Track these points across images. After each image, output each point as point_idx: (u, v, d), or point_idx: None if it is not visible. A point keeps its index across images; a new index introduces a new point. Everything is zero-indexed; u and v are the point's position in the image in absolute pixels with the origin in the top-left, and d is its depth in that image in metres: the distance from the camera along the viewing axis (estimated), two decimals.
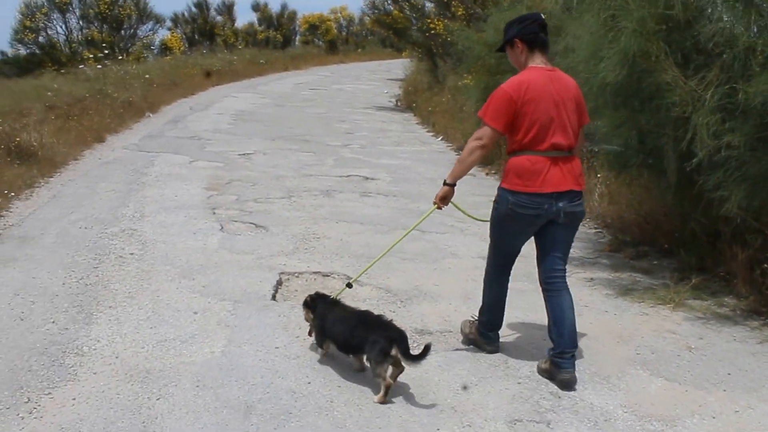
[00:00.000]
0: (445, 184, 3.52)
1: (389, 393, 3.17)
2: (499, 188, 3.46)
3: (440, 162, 8.95)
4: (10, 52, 23.51)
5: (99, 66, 14.34)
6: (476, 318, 3.80)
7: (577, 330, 3.96)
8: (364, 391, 3.29)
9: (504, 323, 3.85)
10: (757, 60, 3.80)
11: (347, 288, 3.84)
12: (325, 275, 4.86)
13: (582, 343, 3.88)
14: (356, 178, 8.03)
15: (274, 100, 16.14)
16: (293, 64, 27.09)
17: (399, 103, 15.82)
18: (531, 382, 3.44)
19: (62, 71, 14.87)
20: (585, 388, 3.41)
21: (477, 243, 5.62)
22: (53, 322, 4.00)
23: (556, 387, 3.39)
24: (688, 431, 3.07)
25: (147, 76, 15.03)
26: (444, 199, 3.55)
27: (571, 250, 5.56)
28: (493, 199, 3.51)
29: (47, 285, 4.54)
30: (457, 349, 3.78)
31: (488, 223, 3.60)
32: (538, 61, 3.41)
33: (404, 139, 11.17)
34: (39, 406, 3.12)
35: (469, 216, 3.88)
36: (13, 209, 6.44)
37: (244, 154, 9.29)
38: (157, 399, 3.18)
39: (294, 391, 3.26)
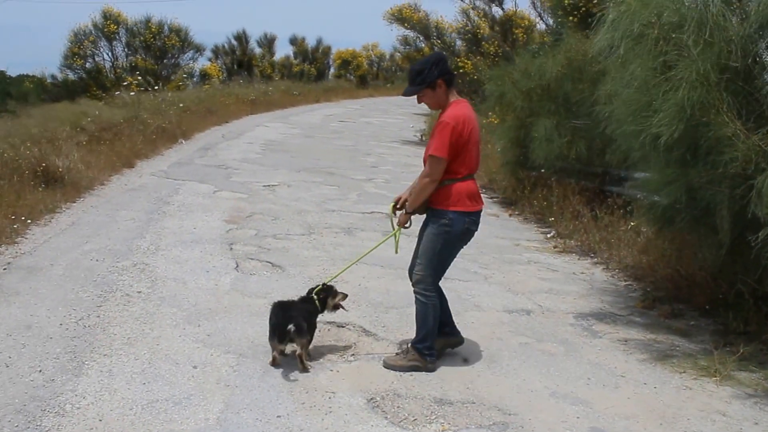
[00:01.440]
0: (406, 212, 3.78)
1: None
2: (449, 212, 3.57)
3: None
4: (60, 75, 23.59)
5: (133, 93, 14.03)
6: (405, 350, 3.77)
7: (616, 410, 3.38)
8: None
9: (532, 394, 3.26)
10: None
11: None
12: (340, 326, 4.29)
13: (620, 424, 3.26)
14: (378, 215, 7.48)
15: (304, 131, 15.74)
16: (325, 96, 26.83)
17: (424, 138, 15.30)
18: None
19: (101, 96, 14.64)
20: None
21: (502, 294, 5.03)
22: (40, 370, 3.48)
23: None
24: None
25: (181, 104, 14.71)
26: (404, 223, 3.86)
27: (601, 306, 5.02)
28: (440, 224, 3.60)
29: (44, 325, 4.04)
30: (480, 427, 3.16)
31: (434, 251, 3.66)
32: (455, 96, 3.61)
33: None
34: None
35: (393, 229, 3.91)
36: (29, 235, 6.01)
37: (268, 186, 8.81)
38: None
39: None
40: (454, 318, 4.56)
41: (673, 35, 3.77)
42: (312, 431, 3.02)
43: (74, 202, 7.35)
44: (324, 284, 3.92)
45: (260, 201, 7.82)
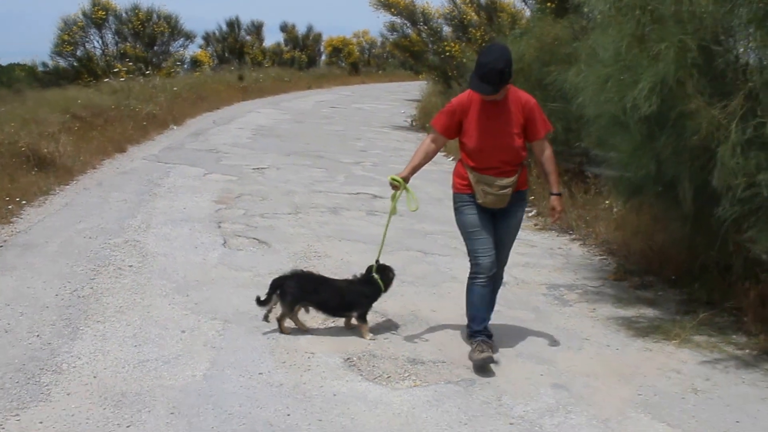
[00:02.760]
0: (559, 195, 3.76)
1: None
2: (527, 190, 3.82)
3: (448, 182, 8.58)
4: (50, 63, 23.66)
5: (122, 79, 14.19)
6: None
7: (578, 368, 3.66)
8: (346, 426, 2.96)
9: (499, 355, 3.53)
10: None
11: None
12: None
13: (581, 381, 3.53)
14: (365, 196, 7.72)
15: (295, 117, 15.94)
16: (316, 83, 26.96)
17: (414, 123, 15.53)
18: (524, 423, 3.09)
19: (91, 83, 14.79)
20: (581, 430, 3.05)
21: None
22: (38, 335, 3.73)
23: (550, 429, 3.03)
24: None
25: (175, 88, 14.88)
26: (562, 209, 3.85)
27: (574, 279, 5.29)
28: (524, 205, 3.79)
29: (40, 296, 4.28)
30: (448, 383, 3.43)
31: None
32: None
33: None
34: (3, 429, 2.83)
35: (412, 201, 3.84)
36: (24, 216, 6.23)
37: (257, 169, 9.03)
38: (128, 426, 2.88)
39: (271, 424, 2.94)
40: (432, 289, 4.84)
41: (649, 6, 3.96)
42: (291, 386, 3.28)
43: (67, 185, 7.57)
44: (378, 263, 4.06)
45: (249, 183, 8.05)
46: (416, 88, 21.70)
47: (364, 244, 5.73)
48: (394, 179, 3.75)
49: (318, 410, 3.08)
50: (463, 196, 3.71)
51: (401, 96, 22.51)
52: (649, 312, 4.61)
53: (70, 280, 4.57)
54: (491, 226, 3.68)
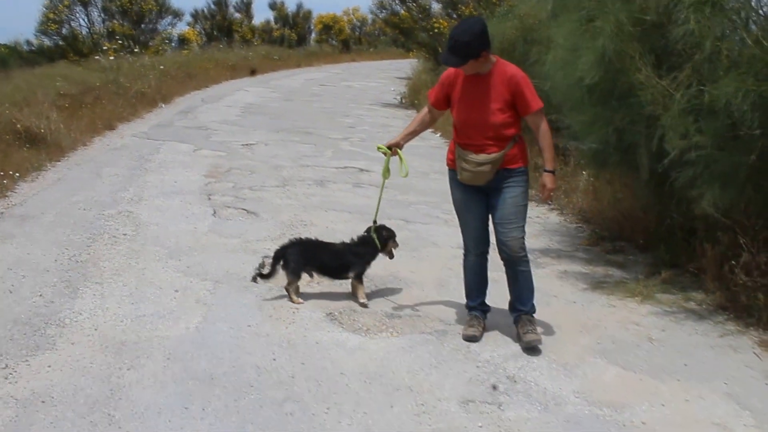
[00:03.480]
0: (553, 172, 3.67)
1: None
2: (527, 168, 3.66)
3: (434, 156, 8.89)
4: (35, 42, 23.76)
5: (112, 57, 14.39)
6: (530, 320, 3.75)
7: (544, 320, 4.01)
8: (326, 368, 3.31)
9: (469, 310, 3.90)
10: (722, 63, 3.77)
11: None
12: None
13: (545, 331, 3.89)
14: (352, 169, 8.04)
15: (284, 95, 16.18)
16: (306, 61, 27.12)
17: (404, 101, 15.79)
18: (490, 366, 3.45)
19: (79, 61, 14.97)
20: (541, 373, 3.41)
21: (458, 234, 5.61)
22: (40, 295, 4.05)
23: (513, 372, 3.40)
24: (636, 417, 3.07)
25: (162, 66, 15.09)
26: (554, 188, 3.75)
27: (549, 244, 5.64)
28: (524, 180, 3.65)
29: (40, 261, 4.60)
30: (422, 333, 3.79)
31: (525, 210, 3.72)
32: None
33: None
34: (15, 372, 3.17)
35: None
36: (18, 190, 6.52)
37: (246, 144, 9.33)
38: (128, 369, 3.22)
39: (258, 366, 3.30)
40: (412, 253, 5.18)
41: None
42: (277, 336, 3.63)
43: (59, 161, 7.85)
44: (375, 224, 4.20)
45: (238, 158, 8.36)
46: (407, 66, 21.93)
47: (349, 214, 6.07)
48: (380, 147, 3.88)
49: (301, 355, 3.43)
50: (452, 171, 3.75)
51: (392, 74, 22.72)
52: (617, 273, 4.97)
53: (67, 247, 4.89)
54: (482, 204, 3.67)
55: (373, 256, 4.19)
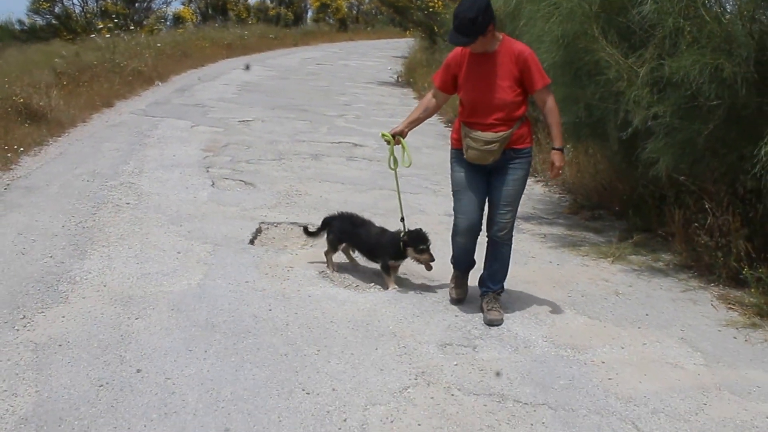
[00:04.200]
0: (561, 150, 3.66)
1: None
2: (530, 148, 3.68)
3: (427, 132, 9.21)
4: (27, 21, 23.91)
5: (108, 36, 14.63)
6: (494, 299, 3.88)
7: (521, 277, 4.36)
8: (317, 317, 3.68)
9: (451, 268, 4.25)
10: (685, 40, 4.10)
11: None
12: (302, 225, 5.22)
13: (521, 287, 4.26)
14: (346, 144, 8.36)
15: (280, 73, 16.42)
16: (303, 40, 27.25)
17: (400, 79, 16.05)
18: (468, 315, 3.81)
19: (75, 40, 15.20)
20: (514, 321, 3.78)
21: (446, 203, 5.96)
22: (51, 256, 4.40)
23: (483, 319, 3.76)
24: (596, 357, 3.44)
25: (158, 45, 15.33)
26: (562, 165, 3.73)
27: (532, 211, 6.00)
28: (526, 162, 3.67)
29: (48, 227, 4.95)
30: (407, 288, 4.15)
31: (521, 194, 3.76)
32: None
33: (398, 112, 11.44)
34: (32, 321, 3.53)
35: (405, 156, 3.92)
36: (22, 163, 6.84)
37: (243, 121, 9.64)
38: (136, 318, 3.58)
39: (255, 316, 3.66)
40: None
41: None
42: (272, 291, 3.99)
43: (59, 137, 8.16)
44: (416, 231, 4.06)
45: (235, 134, 8.67)
46: (404, 45, 22.15)
47: (342, 185, 6.41)
48: (384, 135, 3.83)
49: (295, 307, 3.79)
50: (455, 150, 3.76)
51: (389, 53, 22.93)
52: (593, 237, 5.33)
53: (73, 215, 5.23)
54: (482, 187, 3.69)
55: (394, 256, 4.10)
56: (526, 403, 2.99)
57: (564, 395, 3.07)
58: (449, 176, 3.88)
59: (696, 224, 4.65)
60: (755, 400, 3.13)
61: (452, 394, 3.03)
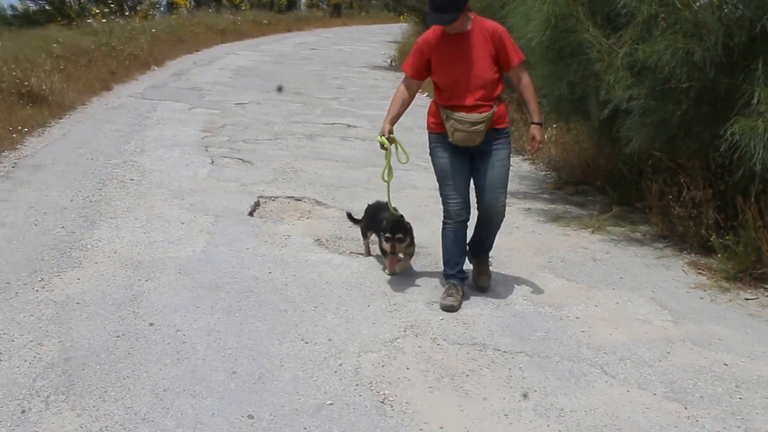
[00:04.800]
0: (541, 125, 3.68)
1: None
2: (509, 129, 3.73)
3: (420, 114, 9.46)
4: (20, 6, 23.90)
5: (104, 21, 14.80)
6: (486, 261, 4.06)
7: (505, 245, 4.66)
8: (314, 279, 3.97)
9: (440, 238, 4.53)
10: (659, 26, 4.39)
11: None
12: (297, 199, 5.52)
13: (504, 254, 4.55)
14: (340, 125, 8.63)
15: (274, 58, 16.63)
16: (297, 25, 27.38)
17: (393, 63, 16.29)
18: (453, 279, 4.11)
19: (70, 25, 15.35)
20: (497, 283, 4.08)
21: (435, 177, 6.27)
22: (62, 227, 4.68)
23: (472, 281, 4.06)
24: (571, 314, 3.75)
25: (153, 30, 15.50)
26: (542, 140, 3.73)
27: (518, 187, 6.29)
28: (508, 141, 3.72)
29: (57, 201, 5.22)
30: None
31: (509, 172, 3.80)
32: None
33: (391, 95, 11.63)
34: (50, 283, 3.81)
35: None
36: (27, 143, 7.09)
37: (239, 104, 9.88)
38: (146, 280, 3.87)
39: (257, 278, 3.96)
40: (392, 194, 5.81)
41: None
42: (271, 256, 4.29)
43: (61, 119, 8.40)
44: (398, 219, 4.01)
45: (232, 115, 8.93)
46: (397, 30, 22.33)
47: (336, 162, 6.70)
48: (381, 140, 3.77)
49: (293, 270, 4.09)
50: (435, 135, 3.70)
51: (382, 38, 23.11)
52: (576, 210, 5.64)
53: (80, 190, 5.50)
54: (467, 169, 3.68)
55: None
56: (505, 351, 3.30)
57: (540, 345, 3.38)
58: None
59: (671, 197, 4.95)
60: (715, 350, 3.45)
61: (438, 344, 3.34)
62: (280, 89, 10.80)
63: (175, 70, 13.59)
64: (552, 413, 2.84)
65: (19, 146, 6.96)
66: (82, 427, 2.59)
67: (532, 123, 3.68)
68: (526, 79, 3.61)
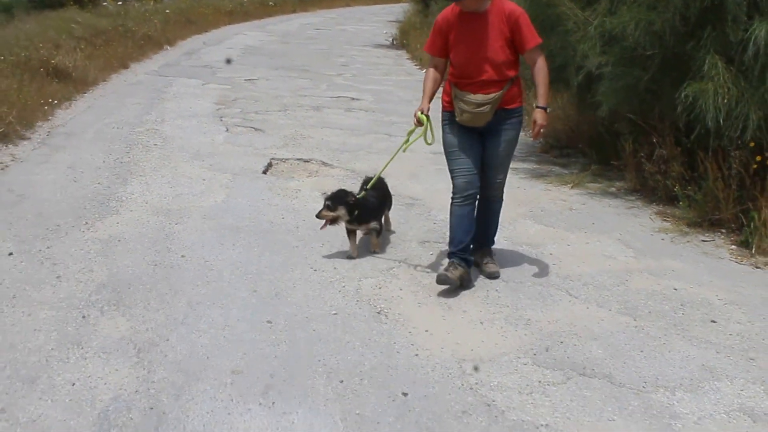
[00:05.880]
0: (545, 109, 3.60)
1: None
2: (521, 108, 3.68)
3: (419, 89, 9.97)
4: None
5: (120, 3, 15.25)
6: (491, 252, 4.00)
7: None
8: (321, 223, 4.50)
9: (433, 192, 5.04)
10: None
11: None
12: (306, 161, 6.04)
13: None
14: (344, 99, 9.12)
15: (281, 38, 17.05)
16: (301, 6, 27.71)
17: (395, 42, 16.68)
18: (442, 223, 4.62)
19: (86, 7, 15.79)
20: None
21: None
22: (99, 183, 5.21)
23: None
24: (546, 251, 4.26)
25: (167, 11, 15.94)
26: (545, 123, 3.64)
27: None
28: (518, 122, 3.68)
29: (91, 162, 5.75)
30: (396, 205, 4.96)
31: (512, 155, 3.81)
32: None
33: (392, 71, 12.18)
34: (93, 226, 4.35)
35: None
36: (57, 115, 7.61)
37: (249, 80, 10.37)
38: (176, 224, 4.41)
39: (272, 222, 4.49)
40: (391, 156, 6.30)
41: None
42: (283, 205, 4.82)
43: (85, 93, 8.91)
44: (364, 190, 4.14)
45: (243, 90, 9.42)
46: (399, 9, 22.70)
47: (341, 130, 7.20)
48: (421, 118, 3.72)
49: (303, 216, 4.62)
50: (447, 113, 3.69)
51: (384, 18, 23.45)
52: (559, 170, 6.13)
53: (111, 153, 6.03)
54: (476, 146, 3.64)
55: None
56: (484, 278, 3.83)
57: (515, 273, 3.91)
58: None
59: (642, 155, 5.44)
60: (668, 278, 3.96)
61: (427, 272, 3.87)
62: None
63: (187, 50, 14.05)
64: (520, 322, 3.37)
65: (50, 117, 7.48)
66: (132, 328, 3.14)
67: (537, 107, 3.58)
68: (540, 63, 3.53)
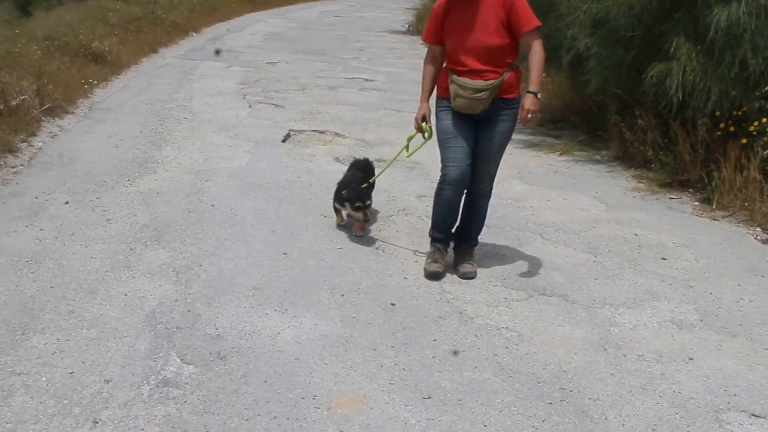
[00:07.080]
0: (537, 96, 3.35)
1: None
2: (519, 98, 3.49)
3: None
4: None
5: None
6: (470, 252, 3.85)
7: None
8: (333, 180, 5.09)
9: (432, 160, 5.60)
10: None
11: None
12: (321, 132, 6.63)
13: None
14: (358, 79, 9.68)
15: (301, 24, 17.62)
16: None
17: (410, 28, 17.17)
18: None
19: None
20: None
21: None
22: (137, 149, 5.86)
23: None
24: (527, 205, 4.83)
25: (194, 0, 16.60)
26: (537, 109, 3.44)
27: None
28: (514, 113, 3.51)
29: (129, 132, 6.40)
30: (397, 168, 5.55)
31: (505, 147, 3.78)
32: None
33: (406, 55, 12.70)
34: (135, 182, 5.00)
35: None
36: (96, 94, 8.28)
37: (270, 62, 10.97)
38: (206, 181, 5.04)
39: (289, 180, 5.10)
40: (397, 128, 6.88)
41: None
42: (300, 167, 5.43)
43: (119, 75, 9.58)
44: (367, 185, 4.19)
45: (264, 72, 10.03)
46: None
47: (354, 107, 7.78)
48: (426, 129, 3.67)
49: (317, 175, 5.22)
50: (442, 100, 3.59)
51: (402, 4, 23.88)
52: (551, 141, 6.66)
53: (146, 125, 6.68)
54: (470, 136, 3.53)
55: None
56: None
57: (497, 221, 4.48)
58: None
59: (623, 124, 5.95)
60: (632, 227, 4.51)
61: (422, 219, 4.45)
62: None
63: (211, 36, 14.68)
64: (495, 257, 3.95)
65: (90, 95, 8.14)
66: (171, 257, 3.77)
67: (528, 92, 3.32)
68: (535, 47, 3.34)
